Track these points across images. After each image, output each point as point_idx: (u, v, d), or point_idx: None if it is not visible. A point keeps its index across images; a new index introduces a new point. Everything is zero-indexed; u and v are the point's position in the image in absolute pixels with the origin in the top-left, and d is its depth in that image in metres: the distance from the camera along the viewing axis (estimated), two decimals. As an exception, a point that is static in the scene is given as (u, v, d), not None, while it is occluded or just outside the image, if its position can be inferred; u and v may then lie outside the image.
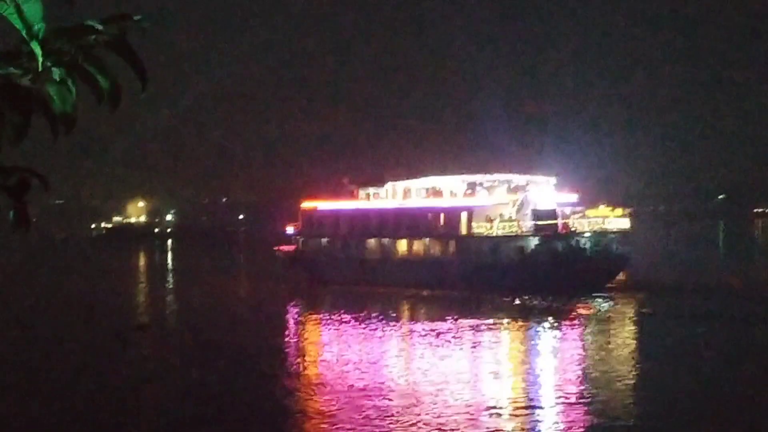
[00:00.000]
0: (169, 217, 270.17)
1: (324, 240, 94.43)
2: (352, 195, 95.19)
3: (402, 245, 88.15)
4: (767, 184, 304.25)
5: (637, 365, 44.31)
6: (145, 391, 39.60)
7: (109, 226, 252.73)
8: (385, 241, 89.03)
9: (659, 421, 32.75)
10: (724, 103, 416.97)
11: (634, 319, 61.55)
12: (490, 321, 59.90)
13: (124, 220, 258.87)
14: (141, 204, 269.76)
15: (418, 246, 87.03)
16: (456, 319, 59.78)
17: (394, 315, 65.36)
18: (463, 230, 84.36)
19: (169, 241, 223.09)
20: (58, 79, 4.34)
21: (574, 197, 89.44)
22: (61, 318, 68.29)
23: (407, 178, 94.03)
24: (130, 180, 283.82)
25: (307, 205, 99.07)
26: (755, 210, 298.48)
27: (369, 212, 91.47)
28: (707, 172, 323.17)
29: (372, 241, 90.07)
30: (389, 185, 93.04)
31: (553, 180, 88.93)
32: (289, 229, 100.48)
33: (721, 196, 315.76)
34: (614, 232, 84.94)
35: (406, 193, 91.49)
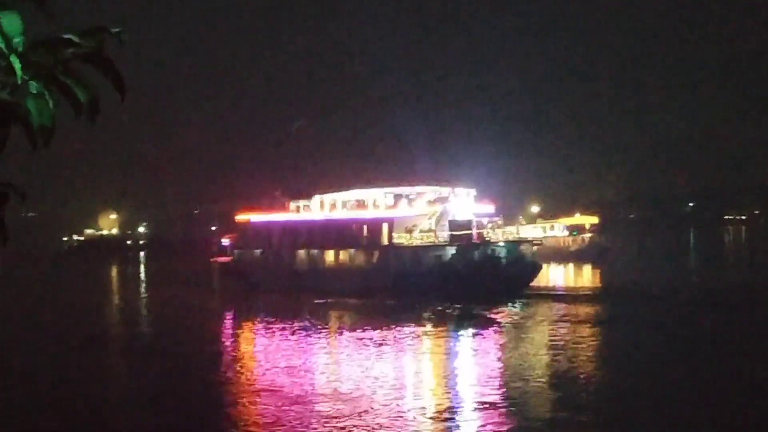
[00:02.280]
0: (141, 229, 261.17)
1: (257, 251, 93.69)
2: (284, 207, 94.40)
3: (329, 255, 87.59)
4: (736, 192, 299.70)
5: (552, 369, 44.09)
6: (90, 401, 38.67)
7: (82, 239, 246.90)
8: (314, 251, 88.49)
9: (575, 420, 32.51)
10: (692, 111, 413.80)
11: (548, 324, 61.15)
12: (412, 328, 59.09)
13: (97, 233, 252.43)
14: (113, 216, 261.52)
15: (344, 256, 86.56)
16: (380, 327, 59.20)
17: (323, 323, 64.63)
18: (385, 240, 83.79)
19: (142, 254, 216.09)
20: (35, 92, 4.11)
21: (491, 208, 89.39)
22: (16, 329, 67.09)
23: (334, 191, 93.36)
24: (101, 192, 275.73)
25: (241, 217, 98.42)
26: (725, 217, 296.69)
27: (298, 224, 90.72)
28: (676, 180, 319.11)
29: (301, 252, 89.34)
30: (317, 198, 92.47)
31: (472, 192, 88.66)
32: (225, 241, 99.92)
33: (690, 204, 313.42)
34: (529, 241, 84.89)
35: (333, 205, 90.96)
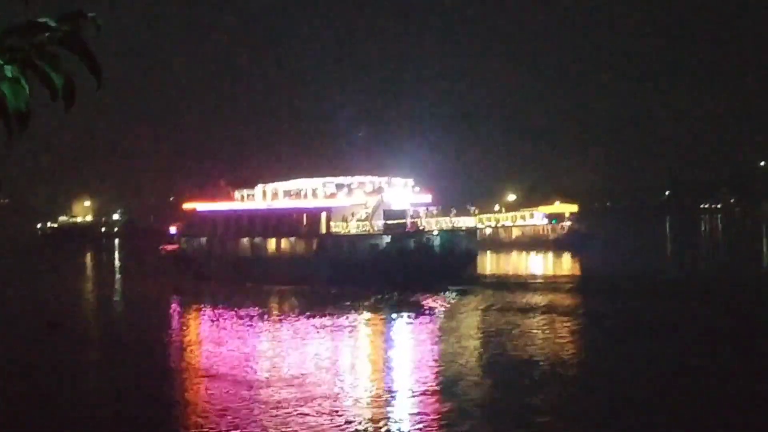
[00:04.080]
0: (116, 217, 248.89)
1: (203, 239, 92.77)
2: (229, 196, 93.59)
3: (271, 244, 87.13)
4: (711, 181, 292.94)
5: (482, 353, 44.00)
6: (40, 388, 37.91)
7: (56, 225, 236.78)
8: (257, 240, 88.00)
9: (506, 402, 32.50)
10: (669, 100, 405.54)
11: (479, 311, 60.92)
12: (349, 316, 58.44)
13: (71, 220, 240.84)
14: (87, 203, 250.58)
15: (285, 244, 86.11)
16: (320, 315, 58.43)
17: (265, 311, 63.72)
18: (323, 229, 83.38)
19: (116, 241, 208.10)
20: (11, 77, 3.95)
21: (428, 198, 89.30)
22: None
23: (277, 181, 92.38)
24: (75, 179, 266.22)
25: (187, 206, 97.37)
26: (701, 206, 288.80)
27: (242, 213, 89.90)
28: (652, 170, 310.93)
29: (245, 240, 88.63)
30: (260, 187, 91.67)
31: (410, 182, 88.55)
32: (172, 229, 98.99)
33: (666, 193, 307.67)
34: (462, 231, 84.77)
35: (275, 194, 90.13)
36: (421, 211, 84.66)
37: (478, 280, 78.87)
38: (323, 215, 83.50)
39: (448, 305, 64.30)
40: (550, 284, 77.21)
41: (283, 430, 28.72)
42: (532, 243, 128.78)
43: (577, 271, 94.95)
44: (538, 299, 65.29)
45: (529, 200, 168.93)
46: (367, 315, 59.38)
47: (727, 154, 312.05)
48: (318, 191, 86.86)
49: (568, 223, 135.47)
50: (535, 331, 50.57)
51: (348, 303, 64.50)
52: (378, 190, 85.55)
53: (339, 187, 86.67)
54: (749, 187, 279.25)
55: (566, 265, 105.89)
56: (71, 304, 75.54)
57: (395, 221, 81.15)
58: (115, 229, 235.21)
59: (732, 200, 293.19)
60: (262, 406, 31.98)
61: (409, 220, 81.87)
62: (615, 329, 50.06)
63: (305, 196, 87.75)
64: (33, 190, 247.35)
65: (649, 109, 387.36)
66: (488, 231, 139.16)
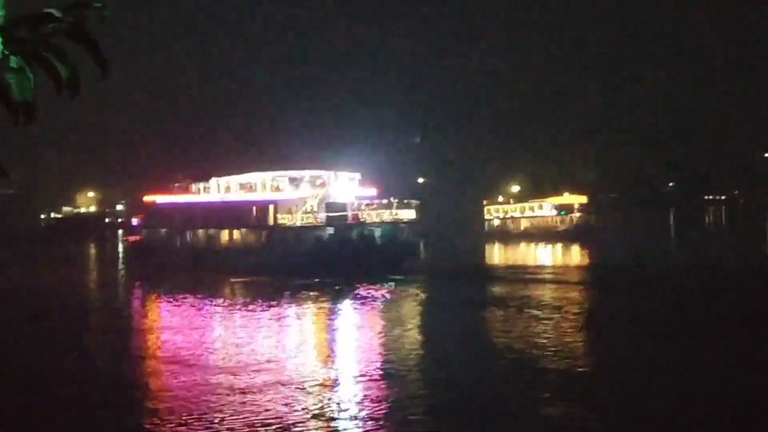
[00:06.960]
0: (119, 207, 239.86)
1: (163, 230, 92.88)
2: (187, 189, 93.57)
3: (224, 235, 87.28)
4: (716, 173, 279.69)
5: (420, 341, 43.64)
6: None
7: (59, 216, 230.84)
8: (211, 231, 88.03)
9: (447, 386, 32.18)
10: (673, 92, 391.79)
11: (417, 300, 60.63)
12: (299, 303, 58.39)
13: (74, 211, 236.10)
14: (91, 194, 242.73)
15: (237, 236, 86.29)
16: (271, 303, 58.13)
17: (218, 300, 63.10)
18: (270, 221, 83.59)
19: (120, 231, 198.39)
20: (16, 67, 3.76)
21: (373, 191, 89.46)
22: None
23: (230, 174, 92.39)
24: (78, 170, 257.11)
25: (148, 198, 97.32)
26: (706, 197, 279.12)
27: (197, 205, 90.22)
28: (656, 162, 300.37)
29: (200, 232, 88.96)
30: (214, 181, 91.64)
31: (357, 176, 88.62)
32: (135, 221, 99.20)
33: (671, 184, 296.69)
34: (404, 222, 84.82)
35: (228, 188, 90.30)
36: (364, 203, 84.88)
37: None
38: (270, 207, 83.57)
39: (387, 294, 63.47)
40: (524, 274, 75.92)
41: (239, 414, 28.34)
42: (541, 234, 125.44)
43: (584, 262, 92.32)
44: (491, 288, 64.01)
45: (535, 191, 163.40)
46: (313, 303, 58.73)
47: (731, 145, 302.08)
48: (267, 184, 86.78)
49: (577, 215, 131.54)
50: (474, 321, 49.47)
51: (297, 292, 64.03)
52: (323, 184, 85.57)
53: (291, 180, 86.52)
54: (754, 179, 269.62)
55: (574, 256, 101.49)
56: (47, 292, 74.05)
57: (337, 213, 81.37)
58: (119, 220, 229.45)
59: (736, 192, 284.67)
60: (219, 391, 31.53)
61: (350, 213, 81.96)
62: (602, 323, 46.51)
63: (255, 189, 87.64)
64: (38, 181, 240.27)
65: (654, 100, 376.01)
66: (496, 222, 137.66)
